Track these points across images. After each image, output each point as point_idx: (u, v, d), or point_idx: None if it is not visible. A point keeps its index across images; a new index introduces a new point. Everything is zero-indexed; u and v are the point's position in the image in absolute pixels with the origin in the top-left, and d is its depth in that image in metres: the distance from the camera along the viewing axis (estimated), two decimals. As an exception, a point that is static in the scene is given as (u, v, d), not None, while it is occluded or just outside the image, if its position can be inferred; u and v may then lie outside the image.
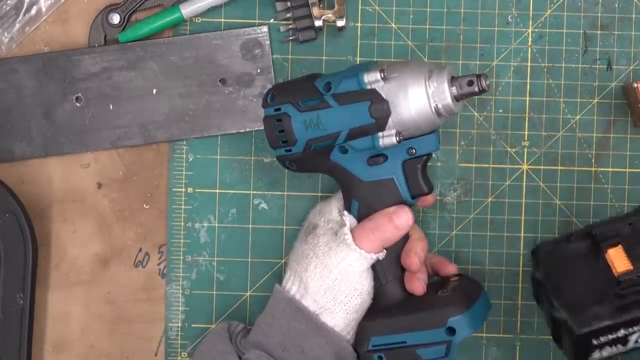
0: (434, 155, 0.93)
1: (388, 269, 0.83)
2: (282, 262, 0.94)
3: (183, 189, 0.94)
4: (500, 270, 0.93)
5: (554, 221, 0.93)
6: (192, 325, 0.94)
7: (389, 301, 0.83)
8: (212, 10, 0.93)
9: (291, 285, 0.83)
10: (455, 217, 0.94)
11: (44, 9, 0.93)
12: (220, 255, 0.94)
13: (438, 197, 0.93)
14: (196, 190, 0.94)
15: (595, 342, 0.81)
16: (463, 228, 0.94)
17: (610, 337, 0.80)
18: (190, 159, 0.94)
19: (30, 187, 0.94)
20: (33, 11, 0.93)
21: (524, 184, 0.94)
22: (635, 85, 0.90)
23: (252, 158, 0.94)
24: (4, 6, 0.93)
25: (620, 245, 0.83)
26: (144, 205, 0.94)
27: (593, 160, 0.94)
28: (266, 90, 0.84)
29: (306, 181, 0.94)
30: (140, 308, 0.94)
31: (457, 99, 0.80)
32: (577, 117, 0.93)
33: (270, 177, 0.94)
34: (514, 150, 0.94)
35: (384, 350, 0.82)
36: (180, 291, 0.94)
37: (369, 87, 0.80)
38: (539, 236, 0.93)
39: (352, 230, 0.82)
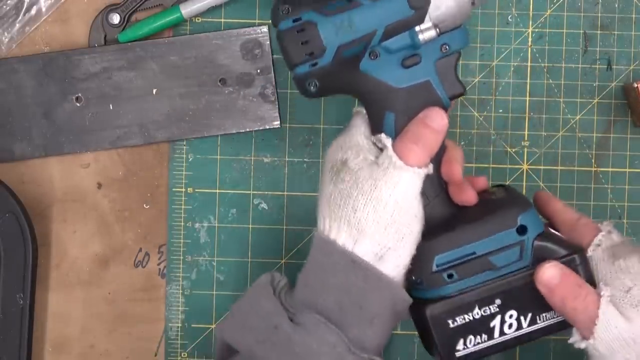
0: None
1: (430, 185, 0.76)
2: (282, 262, 0.94)
3: (183, 189, 0.94)
4: (500, 270, 0.93)
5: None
6: (192, 325, 0.94)
7: (439, 219, 0.77)
8: (212, 10, 0.93)
9: (338, 233, 0.73)
10: (455, 217, 0.93)
11: (44, 9, 0.93)
12: (220, 255, 0.94)
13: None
14: (196, 190, 0.94)
15: (452, 324, 0.75)
16: (463, 228, 0.93)
17: (467, 318, 0.75)
18: (190, 159, 0.94)
19: (31, 187, 0.94)
20: (33, 11, 0.93)
21: (524, 184, 0.94)
22: (635, 85, 0.90)
23: (252, 158, 0.94)
24: (4, 6, 0.93)
25: None
26: (144, 205, 0.94)
27: (593, 160, 0.94)
28: (274, 3, 0.75)
29: (306, 181, 0.94)
30: (140, 308, 0.94)
31: None
32: (577, 117, 0.94)
33: (270, 177, 0.94)
34: (514, 150, 0.94)
35: (453, 267, 0.75)
36: (180, 291, 0.94)
37: None
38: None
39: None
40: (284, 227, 0.94)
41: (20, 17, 0.93)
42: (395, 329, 0.92)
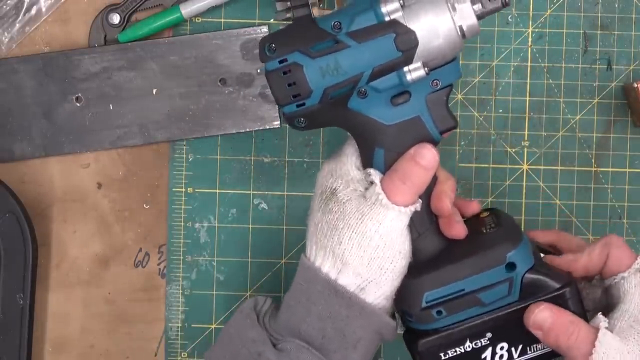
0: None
1: (420, 219, 0.76)
2: (282, 262, 0.94)
3: (183, 189, 0.94)
4: (500, 270, 0.93)
5: (554, 221, 0.93)
6: (192, 325, 0.94)
7: (429, 253, 0.76)
8: (212, 10, 0.93)
9: (323, 261, 0.74)
10: (455, 217, 0.93)
11: (44, 9, 0.93)
12: (220, 255, 0.94)
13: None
14: (196, 190, 0.94)
15: (444, 357, 0.76)
16: (463, 228, 0.93)
17: (458, 350, 0.76)
18: (190, 159, 0.94)
19: (31, 187, 0.94)
20: (33, 11, 0.93)
21: (524, 184, 0.94)
22: (635, 85, 0.90)
23: (252, 158, 0.94)
24: (4, 6, 0.93)
25: None
26: (144, 205, 0.94)
27: (593, 160, 0.94)
28: (260, 41, 0.74)
29: (306, 181, 0.94)
30: (140, 308, 0.94)
31: (479, 17, 0.73)
32: (577, 117, 0.94)
33: (270, 177, 0.94)
34: (514, 150, 0.94)
35: (442, 304, 0.75)
36: (180, 291, 0.94)
37: (388, 18, 0.72)
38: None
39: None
40: (284, 227, 0.94)
41: (20, 17, 0.93)
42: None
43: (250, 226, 0.94)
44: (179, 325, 0.94)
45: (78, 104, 0.93)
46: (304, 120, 0.75)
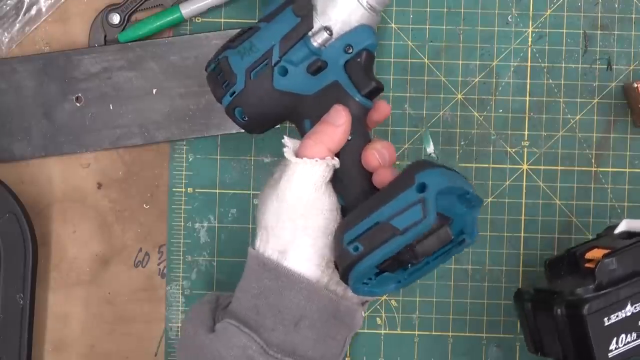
0: (433, 154, 0.93)
1: (351, 181, 0.76)
2: (282, 262, 0.94)
3: (183, 189, 0.94)
4: (500, 270, 0.93)
5: (554, 221, 0.93)
6: (192, 325, 0.94)
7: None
8: (212, 10, 0.93)
9: (257, 240, 0.76)
10: (455, 217, 0.93)
11: (44, 9, 0.93)
12: (220, 255, 0.94)
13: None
14: (196, 190, 0.94)
15: (607, 321, 0.74)
16: (463, 228, 0.93)
17: (621, 314, 0.74)
18: (190, 159, 0.94)
19: (30, 187, 0.94)
20: (33, 11, 0.93)
21: (524, 184, 0.94)
22: (635, 85, 0.90)
23: (252, 158, 0.94)
24: (4, 6, 0.93)
25: (596, 248, 0.81)
26: (144, 205, 0.94)
27: (593, 160, 0.94)
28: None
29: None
30: (140, 308, 0.94)
31: None
32: (577, 117, 0.93)
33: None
34: (514, 150, 0.94)
35: (358, 239, 0.71)
36: (180, 291, 0.94)
37: None
38: (539, 236, 0.93)
39: (295, 150, 0.75)
40: (284, 227, 0.94)
41: (20, 17, 0.93)
42: (395, 328, 0.92)
43: (250, 226, 0.94)
44: (179, 325, 0.94)
45: (78, 104, 0.93)
46: (243, 112, 0.79)
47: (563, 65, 0.93)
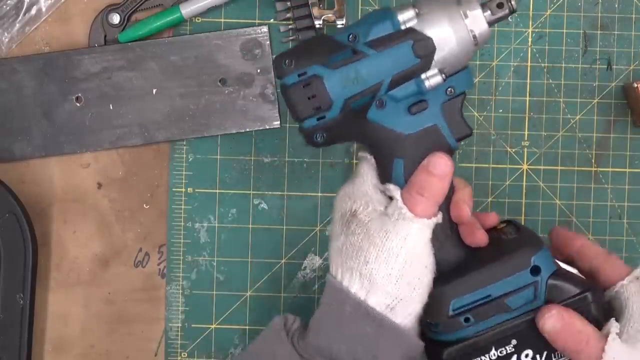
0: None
1: (441, 228, 0.76)
2: (282, 262, 0.94)
3: (183, 189, 0.94)
4: (500, 270, 0.93)
5: (554, 221, 0.93)
6: (192, 325, 0.94)
7: (452, 262, 0.77)
8: (212, 10, 0.93)
9: (350, 282, 0.73)
10: (455, 217, 0.93)
11: (44, 9, 0.93)
12: (220, 255, 0.94)
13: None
14: (196, 190, 0.94)
15: None
16: (463, 228, 0.93)
17: (484, 359, 0.76)
18: (190, 159, 0.94)
19: (30, 187, 0.94)
20: (33, 11, 0.93)
21: (524, 184, 0.94)
22: (635, 85, 0.90)
23: (252, 158, 0.94)
24: (4, 6, 0.93)
25: None
26: (144, 205, 0.94)
27: (593, 160, 0.94)
28: (276, 57, 0.75)
29: (306, 181, 0.94)
30: (140, 308, 0.94)
31: (490, 24, 0.75)
32: (577, 117, 0.94)
33: (270, 177, 0.94)
34: (514, 150, 0.94)
35: (469, 310, 0.75)
36: (180, 291, 0.94)
37: (404, 26, 0.73)
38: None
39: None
40: (284, 227, 0.94)
41: (20, 17, 0.93)
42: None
43: (250, 226, 0.94)
44: (179, 325, 0.94)
45: (78, 104, 0.93)
46: (323, 136, 0.75)
47: (563, 65, 0.93)
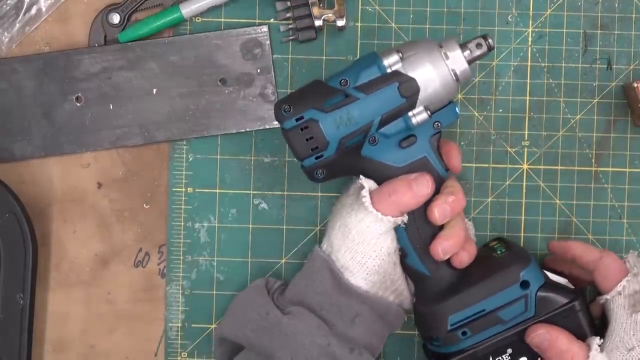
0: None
1: (415, 229, 0.84)
2: (282, 262, 0.94)
3: (183, 189, 0.94)
4: (500, 270, 0.94)
5: (554, 221, 0.94)
6: (192, 325, 0.94)
7: (447, 281, 0.84)
8: (212, 10, 0.93)
9: (324, 244, 0.85)
10: (455, 217, 0.93)
11: (44, 9, 0.93)
12: (220, 255, 0.94)
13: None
14: (196, 190, 0.94)
15: None
16: (463, 228, 0.93)
17: None
18: (190, 159, 0.94)
19: (30, 187, 0.94)
20: (33, 11, 0.93)
21: (524, 184, 0.94)
22: (635, 85, 0.90)
23: (252, 158, 0.94)
24: (4, 6, 0.93)
25: None
26: (144, 205, 0.94)
27: (593, 160, 0.94)
28: (275, 104, 0.82)
29: (306, 181, 0.93)
30: (140, 308, 0.94)
31: (469, 62, 0.82)
32: (577, 117, 0.94)
33: (270, 177, 0.94)
34: (514, 150, 0.94)
35: (466, 324, 0.83)
36: (180, 291, 0.94)
37: (389, 70, 0.80)
38: (539, 236, 0.93)
39: (371, 194, 0.82)
40: (284, 227, 0.94)
41: (20, 17, 0.93)
42: (396, 328, 0.92)
43: (250, 226, 0.94)
44: (179, 325, 0.94)
45: (78, 104, 0.93)
46: (323, 172, 0.82)
47: (563, 65, 0.93)
